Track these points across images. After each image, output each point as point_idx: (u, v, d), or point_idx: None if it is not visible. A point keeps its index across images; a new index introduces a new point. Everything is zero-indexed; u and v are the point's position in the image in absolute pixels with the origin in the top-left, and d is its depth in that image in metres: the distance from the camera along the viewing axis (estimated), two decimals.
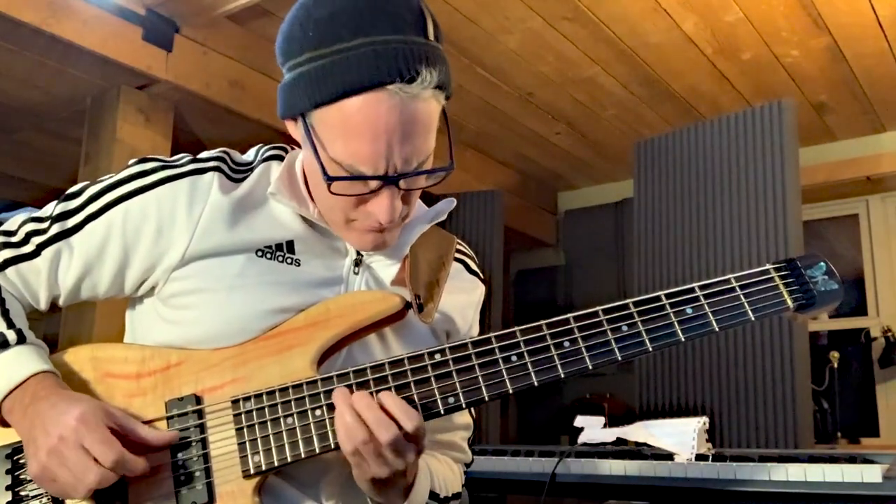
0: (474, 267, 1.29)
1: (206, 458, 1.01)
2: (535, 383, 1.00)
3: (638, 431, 2.19)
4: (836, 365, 3.86)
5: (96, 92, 3.14)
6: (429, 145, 1.03)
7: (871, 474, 1.72)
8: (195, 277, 1.06)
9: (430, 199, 1.20)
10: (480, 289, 1.29)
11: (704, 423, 2.07)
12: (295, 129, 1.08)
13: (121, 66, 2.90)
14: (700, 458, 1.98)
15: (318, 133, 1.02)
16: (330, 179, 1.00)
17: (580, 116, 4.05)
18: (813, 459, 1.87)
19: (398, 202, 1.04)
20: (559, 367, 1.00)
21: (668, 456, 2.03)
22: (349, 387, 1.01)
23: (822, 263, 1.05)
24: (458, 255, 1.26)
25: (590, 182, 5.08)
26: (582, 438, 2.32)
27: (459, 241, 1.28)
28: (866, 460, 1.83)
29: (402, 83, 0.96)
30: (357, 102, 0.97)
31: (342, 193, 1.03)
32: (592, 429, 2.34)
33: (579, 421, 2.40)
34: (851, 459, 1.85)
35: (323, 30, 0.99)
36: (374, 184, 1.02)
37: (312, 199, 1.12)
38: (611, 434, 2.27)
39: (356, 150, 0.99)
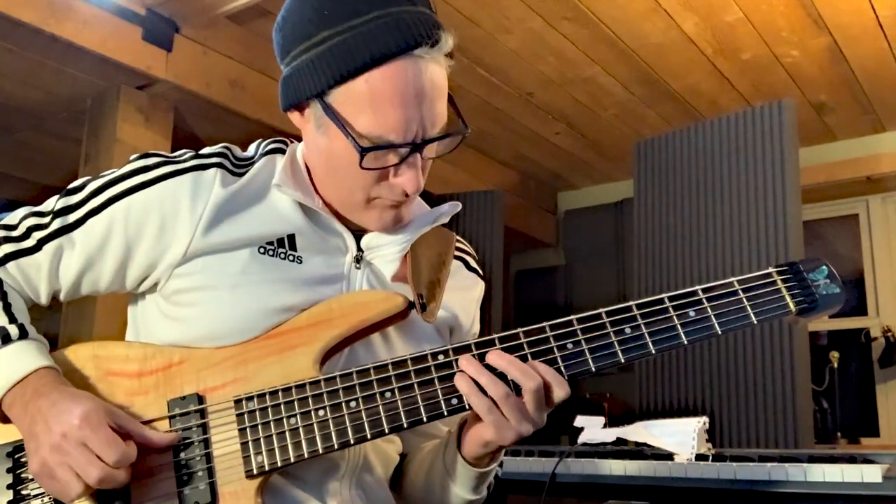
0: (473, 264, 1.29)
1: (208, 457, 1.01)
2: None
3: (638, 431, 2.19)
4: (836, 365, 3.86)
5: (96, 92, 3.14)
6: (445, 110, 1.06)
7: (871, 474, 1.72)
8: (198, 274, 1.06)
9: (431, 200, 1.20)
10: (480, 285, 1.29)
11: (704, 423, 2.08)
12: (301, 119, 1.08)
13: (121, 66, 2.90)
14: (700, 458, 1.99)
15: (341, 110, 1.02)
16: (364, 150, 1.01)
17: (580, 116, 4.05)
18: (813, 459, 1.87)
19: (420, 171, 1.06)
20: (562, 369, 1.00)
21: (668, 456, 2.04)
22: (352, 387, 1.01)
23: (824, 267, 1.05)
24: (457, 253, 1.26)
25: (590, 182, 5.08)
26: (582, 438, 2.32)
27: (459, 238, 1.28)
28: (866, 460, 1.84)
29: (427, 47, 1.00)
30: (383, 72, 0.99)
31: (372, 167, 1.03)
32: (592, 429, 2.34)
33: (579, 421, 2.40)
34: (851, 459, 1.85)
35: (338, 6, 1.01)
36: (403, 151, 1.03)
37: (316, 191, 1.13)
38: (611, 434, 2.27)
39: (386, 120, 1.00)
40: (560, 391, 0.98)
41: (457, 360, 1.01)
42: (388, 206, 1.09)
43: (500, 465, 1.16)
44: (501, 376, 0.98)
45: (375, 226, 1.12)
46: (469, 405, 0.99)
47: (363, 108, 1.00)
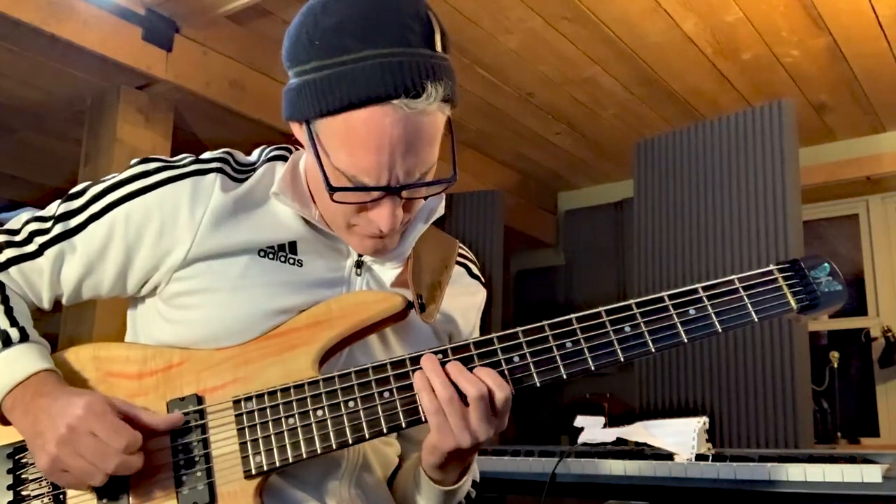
0: (476, 271, 1.29)
1: (207, 458, 1.01)
2: (538, 384, 1.00)
3: (638, 431, 2.19)
4: (836, 365, 3.86)
5: (96, 92, 3.14)
6: (432, 157, 1.03)
7: (871, 474, 1.72)
8: (198, 278, 1.07)
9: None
10: (482, 293, 1.29)
11: (704, 423, 2.08)
12: (299, 131, 1.08)
13: (121, 66, 2.90)
14: (700, 458, 1.98)
15: (322, 141, 1.02)
16: (333, 190, 1.01)
17: (580, 116, 4.05)
18: (813, 459, 1.87)
19: (399, 211, 1.04)
20: (561, 367, 1.00)
21: (668, 456, 2.04)
22: (350, 387, 1.01)
23: (826, 264, 1.05)
24: (459, 259, 1.26)
25: (590, 182, 5.07)
26: (582, 438, 2.32)
27: (461, 245, 1.28)
28: (866, 460, 1.83)
29: (407, 98, 0.96)
30: (362, 115, 0.97)
31: (344, 202, 1.03)
32: (592, 429, 2.34)
33: (579, 421, 2.40)
34: (851, 459, 1.85)
35: (330, 39, 0.98)
36: (375, 194, 1.02)
37: (314, 201, 1.13)
38: (611, 434, 2.27)
39: (359, 162, 0.99)
40: (500, 393, 0.97)
41: (455, 360, 1.01)
42: (366, 235, 1.08)
43: (485, 481, 1.17)
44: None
45: (357, 250, 1.12)
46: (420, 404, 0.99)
47: (340, 145, 1.00)
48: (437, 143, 1.04)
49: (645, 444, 2.14)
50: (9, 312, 1.05)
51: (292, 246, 1.10)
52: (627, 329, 1.01)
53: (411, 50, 0.97)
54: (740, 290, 1.03)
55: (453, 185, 1.06)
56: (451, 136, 1.06)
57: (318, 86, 0.98)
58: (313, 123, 1.02)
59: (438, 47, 1.00)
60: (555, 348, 1.01)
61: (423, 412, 0.99)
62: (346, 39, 0.97)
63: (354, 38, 0.97)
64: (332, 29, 0.98)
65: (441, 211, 1.19)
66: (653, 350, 1.00)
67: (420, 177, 1.02)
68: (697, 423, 2.06)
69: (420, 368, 1.00)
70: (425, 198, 1.09)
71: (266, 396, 1.02)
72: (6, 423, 1.03)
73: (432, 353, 1.02)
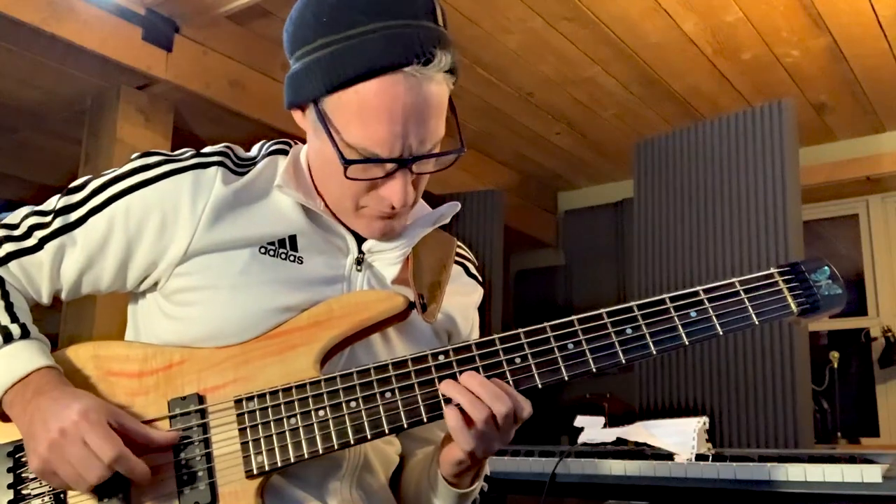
0: (473, 270, 1.29)
1: (208, 457, 1.01)
2: (539, 385, 1.01)
3: (638, 431, 2.19)
4: (836, 365, 3.86)
5: (96, 92, 3.14)
6: (441, 128, 1.05)
7: (871, 474, 1.72)
8: (198, 274, 1.06)
9: (432, 200, 1.20)
10: (479, 291, 1.29)
11: (704, 423, 2.08)
12: (303, 119, 1.09)
13: (121, 66, 2.90)
14: (700, 458, 1.99)
15: (333, 118, 1.02)
16: (347, 163, 1.01)
17: (580, 116, 4.05)
18: (813, 459, 1.88)
19: (410, 186, 1.05)
20: (563, 368, 1.00)
21: (668, 456, 2.04)
22: (352, 387, 1.01)
23: (826, 267, 1.05)
24: (457, 258, 1.26)
25: (590, 182, 5.08)
26: (582, 438, 2.32)
27: (459, 244, 1.28)
28: (866, 460, 1.84)
29: (419, 65, 0.98)
30: (374, 85, 0.98)
31: (358, 178, 1.03)
32: (592, 429, 2.35)
33: (579, 421, 2.40)
34: (851, 459, 1.86)
35: (337, 15, 1.00)
36: (389, 167, 1.03)
37: (318, 192, 1.13)
38: (611, 434, 2.27)
39: (373, 133, 1.00)
40: (525, 412, 0.99)
41: (457, 361, 1.01)
42: (376, 216, 1.09)
43: (486, 479, 1.17)
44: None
45: (365, 233, 1.12)
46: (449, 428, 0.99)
47: (352, 118, 1.00)
48: (444, 116, 1.06)
49: (645, 444, 2.15)
50: (9, 308, 1.05)
51: (293, 241, 1.10)
52: (629, 331, 1.01)
53: (417, 21, 1.00)
54: (741, 292, 1.03)
55: (462, 155, 1.07)
56: (454, 112, 1.08)
57: (328, 61, 1.00)
58: (322, 102, 1.03)
59: (440, 22, 1.03)
60: (556, 349, 1.01)
61: (451, 431, 0.99)
62: (353, 14, 0.99)
63: (361, 13, 0.99)
64: (338, 6, 1.00)
65: (447, 219, 1.20)
66: (654, 352, 1.01)
67: (431, 148, 1.04)
68: (697, 423, 2.06)
69: (454, 372, 1.00)
70: (433, 173, 1.10)
71: (267, 396, 1.02)
72: (6, 419, 1.03)
73: (433, 353, 1.02)
